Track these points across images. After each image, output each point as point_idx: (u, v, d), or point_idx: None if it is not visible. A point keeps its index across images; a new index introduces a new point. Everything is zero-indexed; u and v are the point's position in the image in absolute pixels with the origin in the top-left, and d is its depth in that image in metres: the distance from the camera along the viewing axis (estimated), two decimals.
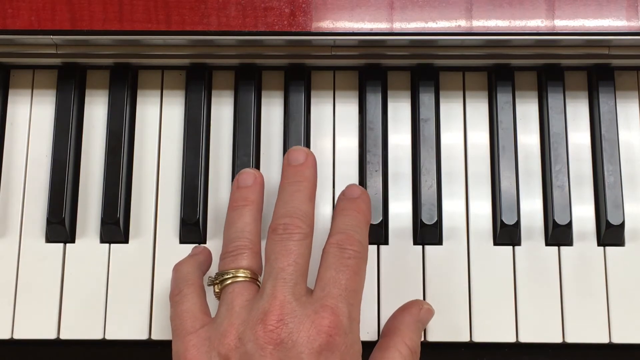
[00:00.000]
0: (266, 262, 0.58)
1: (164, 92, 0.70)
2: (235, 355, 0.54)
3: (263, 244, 0.60)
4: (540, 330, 0.64)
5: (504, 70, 0.69)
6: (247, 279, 0.58)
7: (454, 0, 0.64)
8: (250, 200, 0.61)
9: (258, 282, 0.59)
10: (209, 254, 0.64)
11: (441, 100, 0.69)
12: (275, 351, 0.54)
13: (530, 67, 0.69)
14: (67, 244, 0.67)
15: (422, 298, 0.65)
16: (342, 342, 0.55)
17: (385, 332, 0.62)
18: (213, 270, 0.64)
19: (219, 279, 0.59)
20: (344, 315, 0.55)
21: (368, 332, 0.64)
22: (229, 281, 0.58)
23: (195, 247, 0.65)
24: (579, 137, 0.68)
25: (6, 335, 0.65)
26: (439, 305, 0.64)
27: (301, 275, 0.57)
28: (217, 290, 0.59)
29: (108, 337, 0.65)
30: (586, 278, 0.65)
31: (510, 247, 0.66)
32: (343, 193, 0.62)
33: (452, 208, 0.67)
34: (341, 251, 0.58)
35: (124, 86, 0.69)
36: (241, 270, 0.58)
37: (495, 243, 0.66)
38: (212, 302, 0.60)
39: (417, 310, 0.62)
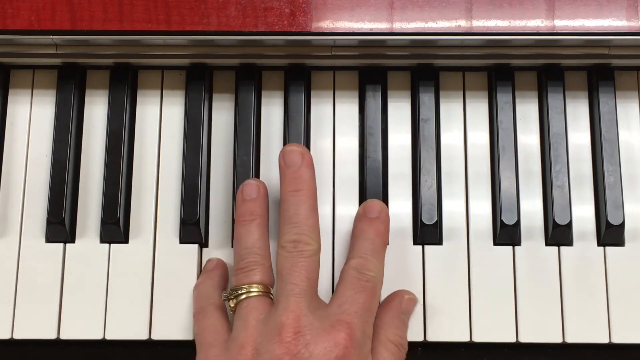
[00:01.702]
0: (278, 277, 0.60)
1: (164, 92, 0.70)
2: None
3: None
4: (540, 330, 0.64)
5: (504, 70, 0.69)
6: (260, 293, 0.60)
7: (454, 0, 0.64)
8: (257, 214, 0.62)
9: (271, 295, 0.61)
10: (224, 268, 0.65)
11: (441, 100, 0.69)
12: None
13: (530, 67, 0.69)
14: (67, 244, 0.67)
15: (422, 298, 0.65)
16: (356, 355, 0.57)
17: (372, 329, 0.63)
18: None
19: (233, 295, 0.61)
20: (359, 330, 0.58)
21: None
22: (243, 296, 0.60)
23: (208, 261, 0.66)
24: (579, 137, 0.68)
25: (6, 335, 0.65)
26: (439, 305, 0.64)
27: (314, 290, 0.59)
28: (232, 305, 0.61)
29: (108, 337, 0.65)
30: (586, 278, 0.65)
31: (510, 247, 0.66)
32: (363, 209, 0.64)
33: (452, 208, 0.67)
34: (359, 274, 0.60)
35: (124, 86, 0.69)
36: (254, 285, 0.60)
37: (495, 243, 0.66)
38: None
39: (398, 304, 0.63)
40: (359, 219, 0.64)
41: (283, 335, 0.56)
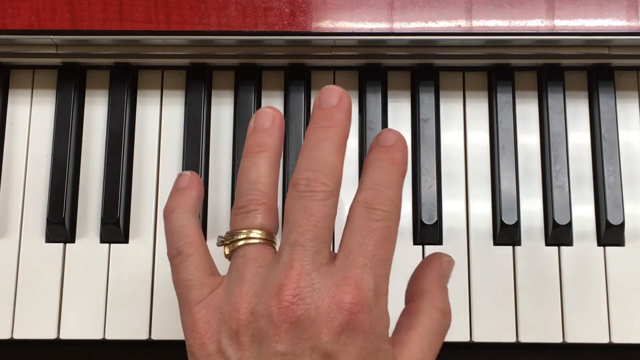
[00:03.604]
0: (285, 223, 0.51)
1: (164, 92, 0.70)
2: (247, 332, 0.49)
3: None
4: (540, 330, 0.64)
5: (504, 70, 0.69)
6: (261, 241, 0.52)
7: (454, 0, 0.64)
8: (267, 146, 0.53)
9: (274, 243, 0.53)
10: (199, 185, 0.56)
11: (441, 100, 0.69)
12: (290, 329, 0.48)
13: (530, 67, 0.69)
14: (67, 244, 0.67)
15: None
16: (366, 319, 0.48)
17: (410, 296, 0.56)
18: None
19: (229, 240, 0.53)
20: (369, 288, 0.49)
21: None
22: (241, 242, 0.52)
23: (180, 175, 0.57)
24: (579, 137, 0.68)
25: (6, 335, 0.65)
26: None
27: (323, 241, 0.50)
28: (227, 252, 0.53)
29: (108, 337, 0.65)
30: (586, 278, 0.65)
31: (510, 247, 0.66)
32: (376, 140, 0.54)
33: (452, 208, 0.67)
34: (369, 212, 0.51)
35: (124, 86, 0.69)
36: (254, 230, 0.52)
37: (495, 243, 0.66)
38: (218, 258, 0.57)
39: (439, 265, 0.56)
40: (371, 148, 0.54)
41: (281, 298, 0.48)
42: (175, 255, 0.53)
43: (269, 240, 0.52)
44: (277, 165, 0.54)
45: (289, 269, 0.49)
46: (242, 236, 0.52)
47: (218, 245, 0.54)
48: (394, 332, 0.53)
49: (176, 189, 0.56)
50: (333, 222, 0.51)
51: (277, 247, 0.53)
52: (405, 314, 0.54)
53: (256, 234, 0.52)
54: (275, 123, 0.54)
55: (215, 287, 0.52)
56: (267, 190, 0.53)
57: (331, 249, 0.51)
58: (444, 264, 0.56)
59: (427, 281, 0.55)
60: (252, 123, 0.54)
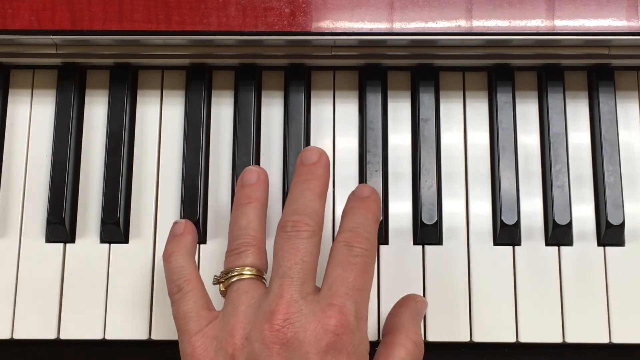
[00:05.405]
0: (274, 260, 0.58)
1: (164, 92, 0.70)
2: (242, 355, 0.55)
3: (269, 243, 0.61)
4: (540, 330, 0.64)
5: (504, 70, 0.69)
6: (252, 277, 0.58)
7: (454, 0, 0.64)
8: (254, 198, 0.61)
9: (264, 279, 0.59)
10: (193, 231, 0.63)
11: (441, 100, 0.69)
12: (281, 350, 0.54)
13: (530, 67, 0.69)
14: (67, 244, 0.67)
15: None
16: (349, 341, 0.55)
17: (388, 329, 0.62)
18: (214, 266, 0.64)
19: (224, 278, 0.59)
20: (350, 314, 0.55)
21: (368, 332, 0.64)
22: (234, 279, 0.58)
23: (175, 223, 0.63)
24: (579, 137, 0.68)
25: (6, 335, 0.65)
26: (439, 305, 0.64)
27: (308, 273, 0.57)
28: (222, 288, 0.59)
29: (108, 337, 0.65)
30: (586, 278, 0.65)
31: (510, 247, 0.66)
32: (353, 192, 0.62)
33: (452, 208, 0.67)
34: (349, 249, 0.57)
35: (124, 86, 0.69)
36: (246, 268, 0.59)
37: (495, 243, 0.66)
38: (213, 294, 0.60)
39: (413, 304, 0.62)
40: (349, 200, 0.62)
41: (273, 323, 0.54)
42: (175, 292, 0.60)
43: (259, 276, 0.59)
44: (263, 213, 0.61)
45: (279, 297, 0.55)
46: (235, 273, 0.58)
47: (214, 284, 0.60)
48: None
49: (173, 235, 0.62)
50: (317, 258, 0.58)
51: (267, 284, 0.59)
52: (383, 345, 0.60)
53: (248, 271, 0.58)
54: (260, 179, 0.62)
55: (212, 320, 0.58)
56: (256, 234, 0.60)
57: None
58: (418, 303, 0.63)
59: (403, 317, 0.61)
60: (239, 181, 0.62)
